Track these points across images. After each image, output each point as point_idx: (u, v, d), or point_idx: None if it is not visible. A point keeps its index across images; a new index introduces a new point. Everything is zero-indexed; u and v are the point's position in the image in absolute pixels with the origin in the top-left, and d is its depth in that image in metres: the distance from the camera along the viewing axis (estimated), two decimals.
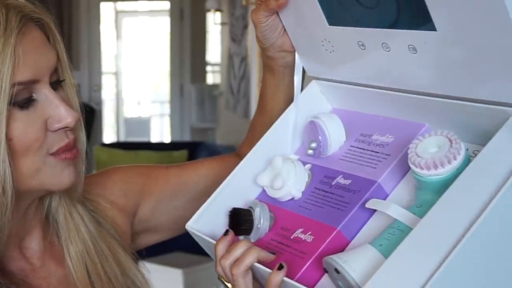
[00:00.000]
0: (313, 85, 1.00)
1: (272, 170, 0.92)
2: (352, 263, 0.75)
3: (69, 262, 0.98)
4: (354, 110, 0.96)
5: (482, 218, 0.69)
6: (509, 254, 0.73)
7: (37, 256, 0.97)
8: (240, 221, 0.90)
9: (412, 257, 0.69)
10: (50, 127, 0.88)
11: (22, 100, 0.86)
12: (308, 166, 0.94)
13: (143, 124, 8.08)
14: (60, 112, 0.88)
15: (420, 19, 0.74)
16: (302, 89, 1.00)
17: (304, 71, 1.01)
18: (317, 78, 0.99)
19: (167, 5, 7.19)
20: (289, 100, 1.01)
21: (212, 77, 7.08)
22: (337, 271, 0.76)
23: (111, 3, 7.75)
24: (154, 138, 7.99)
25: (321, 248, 0.83)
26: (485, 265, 0.71)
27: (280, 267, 0.80)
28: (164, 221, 1.13)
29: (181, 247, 3.57)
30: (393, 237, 0.76)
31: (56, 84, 0.91)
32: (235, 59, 5.05)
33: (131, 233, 1.09)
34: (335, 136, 0.93)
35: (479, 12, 0.68)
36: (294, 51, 1.00)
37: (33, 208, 0.96)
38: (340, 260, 0.76)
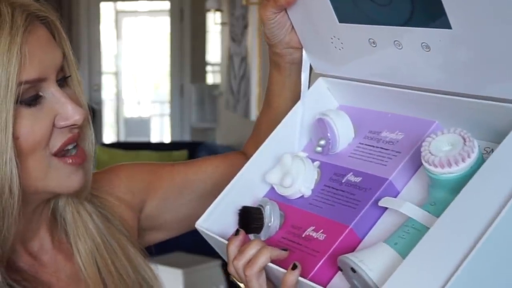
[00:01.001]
0: (320, 82, 0.99)
1: (281, 168, 0.92)
2: (368, 262, 0.75)
3: (78, 259, 0.97)
4: (361, 107, 0.96)
5: (501, 216, 0.68)
6: None
7: (45, 252, 0.97)
8: (250, 219, 0.89)
9: (431, 256, 0.69)
10: (57, 125, 0.88)
11: (29, 98, 0.85)
12: (317, 163, 0.93)
13: (143, 124, 8.09)
14: (67, 110, 0.88)
15: (435, 16, 0.73)
16: (309, 86, 1.00)
17: (311, 68, 1.01)
18: (324, 75, 0.99)
19: (167, 5, 7.19)
20: (295, 97, 1.01)
21: (212, 77, 7.07)
22: (353, 270, 0.76)
23: (111, 3, 7.75)
24: (154, 138, 7.99)
25: (333, 247, 0.82)
26: (506, 264, 0.71)
27: (294, 267, 0.79)
28: (169, 219, 1.13)
29: (181, 247, 3.57)
30: (408, 236, 0.76)
31: (63, 82, 0.91)
32: (235, 59, 5.05)
33: (138, 229, 1.09)
34: (344, 133, 0.93)
35: (494, 9, 0.67)
36: (301, 48, 0.99)
37: (40, 209, 0.96)
38: (356, 259, 0.75)
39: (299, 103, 0.99)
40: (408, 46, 0.80)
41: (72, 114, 0.88)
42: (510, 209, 0.68)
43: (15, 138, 0.84)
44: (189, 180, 1.12)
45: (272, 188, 0.94)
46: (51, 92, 0.88)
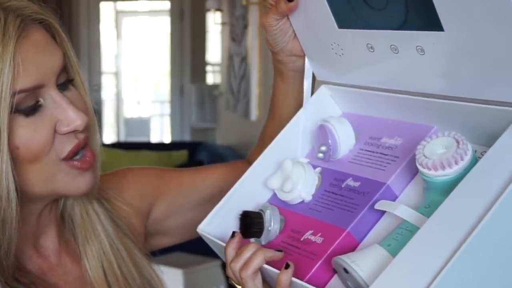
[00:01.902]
0: (322, 90, 1.00)
1: (282, 173, 0.93)
2: (360, 262, 0.76)
3: (85, 261, 0.98)
4: (363, 113, 0.97)
5: (487, 218, 0.69)
6: None
7: (53, 254, 0.97)
8: (250, 223, 0.91)
9: (419, 256, 0.70)
10: (59, 131, 0.87)
11: (27, 107, 0.84)
12: (318, 169, 0.94)
13: (143, 124, 8.09)
14: (68, 116, 0.87)
15: (428, 19, 0.74)
16: (312, 93, 1.01)
17: (314, 76, 1.01)
18: (327, 83, 1.00)
19: (167, 5, 7.19)
20: (299, 106, 1.01)
21: (212, 77, 7.08)
22: (346, 271, 0.77)
23: (111, 3, 7.76)
24: (154, 138, 7.99)
25: (330, 249, 0.84)
26: (491, 264, 0.72)
27: (287, 266, 0.80)
28: (175, 224, 1.13)
29: (181, 247, 3.57)
30: (401, 237, 0.77)
31: (66, 85, 0.89)
32: (235, 59, 5.05)
33: (144, 234, 1.09)
34: (345, 140, 0.94)
35: (486, 12, 0.68)
36: (304, 56, 1.00)
37: (48, 208, 0.96)
38: (348, 260, 0.77)
39: (301, 110, 1.00)
40: (404, 50, 0.81)
41: (74, 119, 0.87)
42: (497, 210, 0.69)
43: (15, 148, 0.83)
44: (197, 186, 1.13)
45: (275, 194, 0.95)
46: (51, 97, 0.86)
